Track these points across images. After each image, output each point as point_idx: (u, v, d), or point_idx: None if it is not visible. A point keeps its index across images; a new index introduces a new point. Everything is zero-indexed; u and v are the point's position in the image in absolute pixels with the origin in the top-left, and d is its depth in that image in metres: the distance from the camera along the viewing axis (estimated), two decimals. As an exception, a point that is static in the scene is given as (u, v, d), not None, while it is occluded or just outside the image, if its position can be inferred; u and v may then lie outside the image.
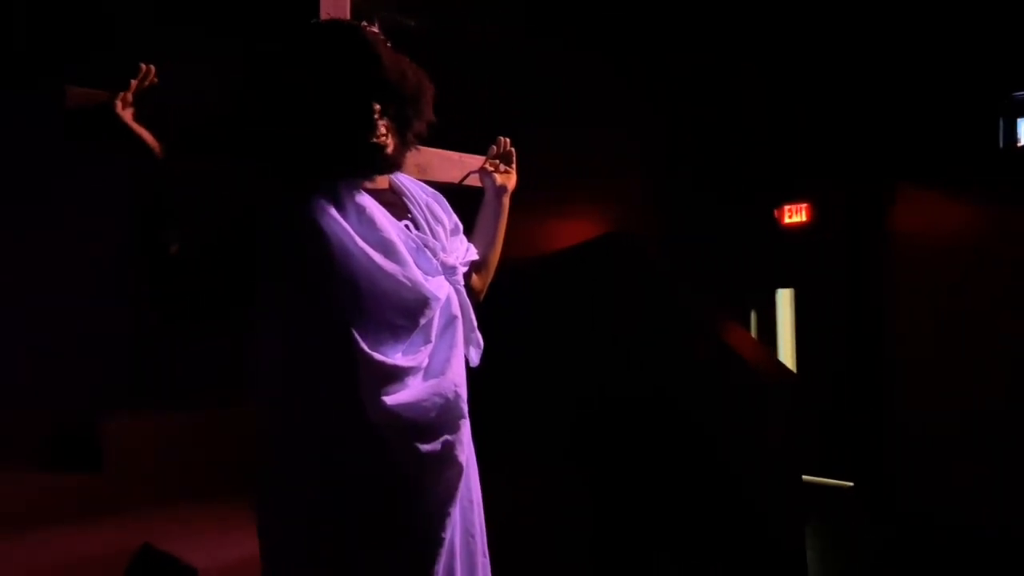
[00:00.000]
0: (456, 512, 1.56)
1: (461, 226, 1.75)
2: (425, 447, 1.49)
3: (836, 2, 5.30)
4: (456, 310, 1.61)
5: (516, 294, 3.47)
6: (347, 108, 1.46)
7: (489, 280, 1.91)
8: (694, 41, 5.43)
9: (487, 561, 1.65)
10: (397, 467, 1.47)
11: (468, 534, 1.61)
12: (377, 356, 1.43)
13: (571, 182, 4.70)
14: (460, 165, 1.99)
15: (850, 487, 5.34)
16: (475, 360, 1.70)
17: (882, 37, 5.19)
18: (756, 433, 3.78)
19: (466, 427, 1.60)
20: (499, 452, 2.23)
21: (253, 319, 1.48)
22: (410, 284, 1.48)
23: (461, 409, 1.56)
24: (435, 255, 1.58)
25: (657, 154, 5.41)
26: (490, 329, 1.74)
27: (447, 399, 1.52)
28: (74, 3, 3.12)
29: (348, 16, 1.90)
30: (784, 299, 5.84)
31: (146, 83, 1.52)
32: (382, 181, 1.60)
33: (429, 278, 1.54)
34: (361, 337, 1.42)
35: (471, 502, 1.63)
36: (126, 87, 1.49)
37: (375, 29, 1.54)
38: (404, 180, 1.67)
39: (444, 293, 1.57)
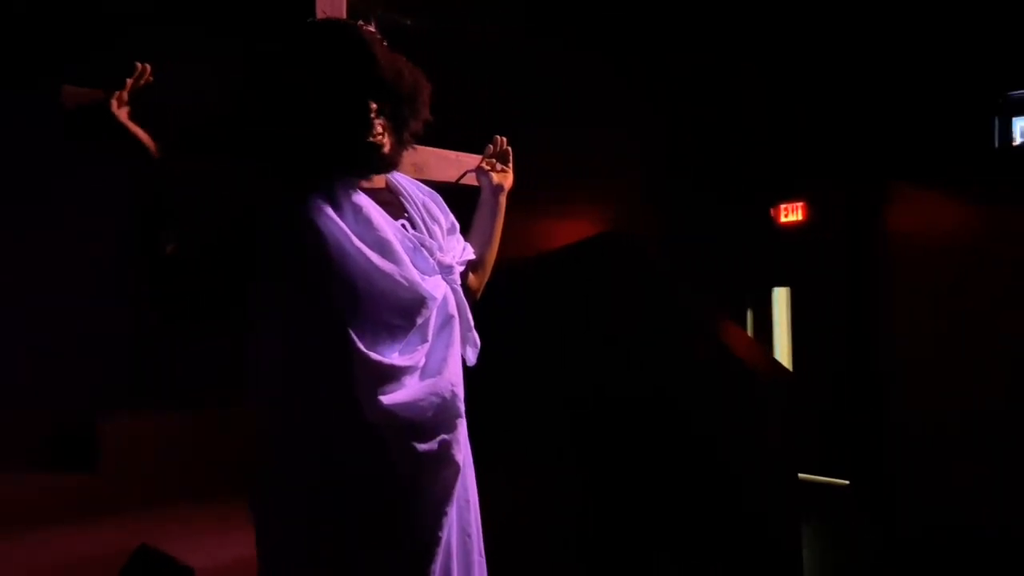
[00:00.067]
0: (453, 512, 1.56)
1: (458, 225, 1.75)
2: (422, 447, 1.49)
3: (835, 3, 5.30)
4: (453, 309, 1.61)
5: (513, 293, 3.47)
6: (343, 107, 1.46)
7: (486, 279, 1.91)
8: (694, 41, 5.43)
9: (483, 560, 1.65)
10: (395, 467, 1.47)
11: (464, 533, 1.61)
12: (374, 356, 1.43)
13: (570, 182, 4.70)
14: (457, 164, 1.99)
15: (846, 486, 5.34)
16: (472, 359, 1.71)
17: (880, 37, 5.20)
18: (753, 432, 3.78)
19: (463, 426, 1.59)
20: (496, 451, 2.23)
21: (253, 319, 1.48)
22: (407, 284, 1.48)
23: (458, 408, 1.56)
24: (432, 254, 1.58)
25: (656, 154, 5.41)
26: (487, 328, 1.74)
27: (444, 399, 1.52)
28: (74, 3, 3.12)
29: (344, 15, 1.90)
30: (780, 298, 5.85)
31: (142, 82, 1.53)
32: (379, 180, 1.60)
33: (426, 277, 1.54)
34: (358, 337, 1.42)
35: (467, 501, 1.63)
36: (122, 86, 1.49)
37: (371, 28, 1.54)
38: (401, 179, 1.67)
39: (441, 292, 1.57)
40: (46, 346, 3.04)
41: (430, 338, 1.54)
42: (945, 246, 4.93)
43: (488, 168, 1.98)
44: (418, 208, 1.64)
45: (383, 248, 1.47)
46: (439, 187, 1.76)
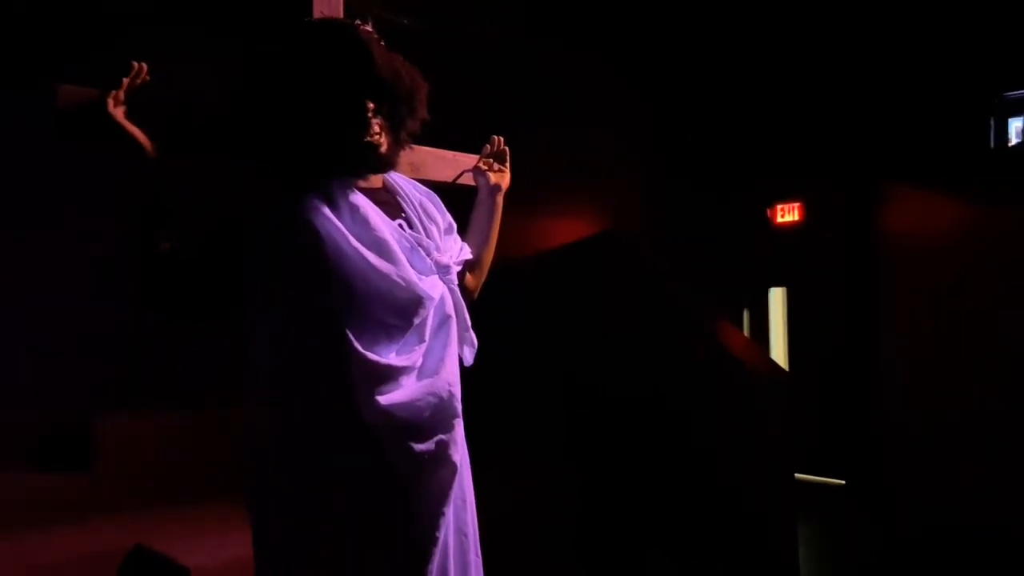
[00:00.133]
0: (450, 511, 1.56)
1: (455, 225, 1.75)
2: (419, 447, 1.49)
3: (834, 4, 5.30)
4: (450, 309, 1.61)
5: (510, 293, 3.48)
6: (340, 107, 1.46)
7: (483, 279, 1.91)
8: (694, 41, 5.43)
9: (479, 560, 1.65)
10: (392, 467, 1.47)
11: (461, 533, 1.61)
12: (371, 356, 1.43)
13: (569, 182, 4.71)
14: (454, 164, 1.99)
15: (842, 485, 5.35)
16: (469, 359, 1.71)
17: (878, 39, 5.20)
18: (749, 431, 3.79)
19: (460, 426, 1.59)
20: (494, 451, 2.23)
21: (253, 319, 1.48)
22: (404, 284, 1.48)
23: (455, 409, 1.56)
24: (429, 254, 1.58)
25: (656, 154, 5.41)
26: (484, 328, 1.75)
27: (441, 398, 1.52)
28: (74, 3, 3.13)
29: (341, 15, 1.90)
30: (777, 298, 5.86)
31: (138, 81, 1.53)
32: (376, 180, 1.60)
33: (423, 277, 1.54)
34: (355, 337, 1.42)
35: (464, 501, 1.63)
36: (118, 85, 1.50)
37: (368, 27, 1.54)
38: (398, 179, 1.67)
39: (438, 292, 1.57)
40: (46, 346, 3.04)
41: (427, 338, 1.54)
42: (942, 246, 4.95)
43: (485, 168, 1.97)
44: (415, 208, 1.64)
45: (380, 248, 1.47)
46: (436, 187, 1.76)
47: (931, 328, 4.97)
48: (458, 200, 1.88)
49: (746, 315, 5.96)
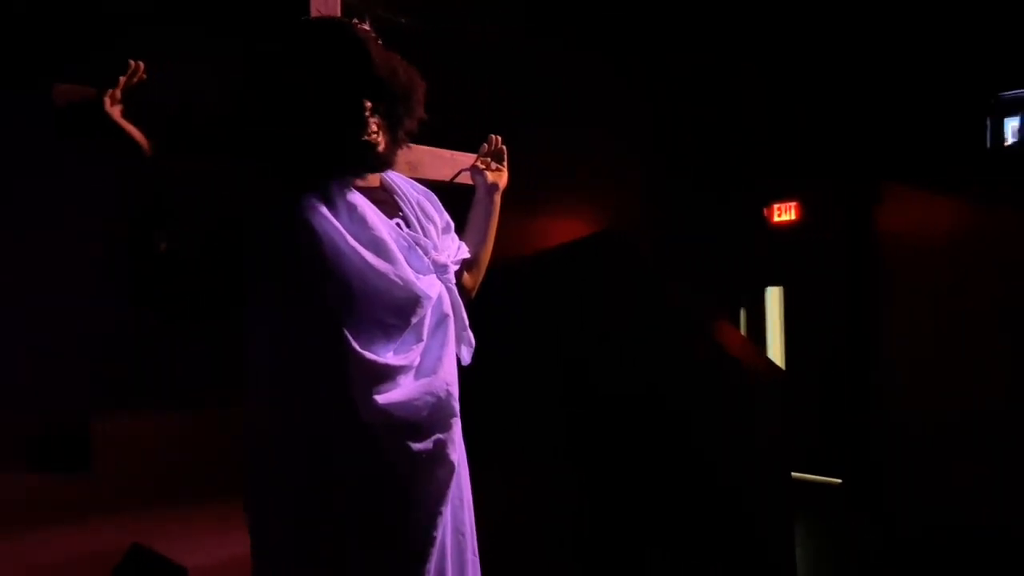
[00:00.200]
0: (447, 511, 1.56)
1: (453, 224, 1.75)
2: (417, 446, 1.49)
3: (833, 4, 5.30)
4: (448, 308, 1.61)
5: (508, 292, 3.48)
6: (338, 106, 1.46)
7: (481, 278, 1.91)
8: (694, 41, 5.43)
9: (477, 560, 1.65)
10: (390, 467, 1.47)
11: (458, 533, 1.61)
12: (368, 355, 1.43)
13: (569, 181, 4.71)
14: (452, 163, 1.99)
15: (838, 484, 5.34)
16: (467, 359, 1.71)
17: (876, 39, 5.21)
18: (746, 430, 3.79)
19: (458, 426, 1.60)
20: (491, 450, 2.23)
21: (253, 319, 1.48)
22: (401, 283, 1.48)
23: (453, 408, 1.56)
24: (426, 253, 1.58)
25: (655, 154, 5.41)
26: (482, 327, 1.75)
27: (439, 398, 1.52)
28: (74, 3, 3.13)
29: (338, 14, 1.90)
30: (773, 297, 5.86)
31: (135, 80, 1.53)
32: (373, 179, 1.60)
33: (420, 276, 1.54)
34: (352, 336, 1.42)
35: (461, 501, 1.63)
36: (115, 84, 1.49)
37: (366, 27, 1.54)
38: (395, 178, 1.67)
39: (435, 291, 1.57)
40: (46, 346, 3.04)
41: (425, 337, 1.54)
42: (940, 246, 4.96)
43: (483, 167, 1.97)
44: (413, 207, 1.64)
45: (378, 247, 1.47)
46: (434, 186, 1.76)
47: (931, 328, 4.97)
48: (456, 199, 1.88)
49: (743, 314, 5.97)
